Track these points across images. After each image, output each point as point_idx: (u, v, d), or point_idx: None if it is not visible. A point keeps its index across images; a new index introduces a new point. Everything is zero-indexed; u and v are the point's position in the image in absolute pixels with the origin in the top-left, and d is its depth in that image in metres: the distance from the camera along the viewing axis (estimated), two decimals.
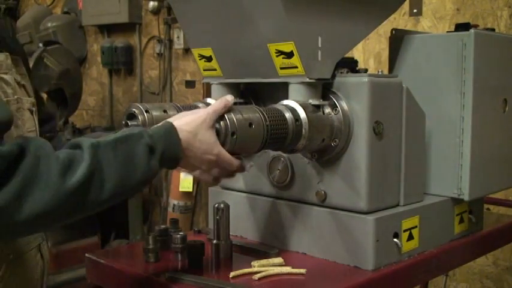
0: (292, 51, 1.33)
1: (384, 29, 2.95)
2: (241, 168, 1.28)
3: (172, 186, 4.09)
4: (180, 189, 3.95)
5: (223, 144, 1.20)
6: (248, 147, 1.25)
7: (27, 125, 1.30)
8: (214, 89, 1.56)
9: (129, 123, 1.36)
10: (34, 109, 1.36)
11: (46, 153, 1.00)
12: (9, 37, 1.41)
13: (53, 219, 1.00)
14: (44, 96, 4.11)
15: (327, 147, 1.39)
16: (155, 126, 1.17)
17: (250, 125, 1.22)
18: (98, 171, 1.02)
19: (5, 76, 1.26)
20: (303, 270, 1.34)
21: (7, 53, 1.29)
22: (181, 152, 1.15)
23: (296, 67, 1.35)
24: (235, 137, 1.20)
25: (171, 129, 1.15)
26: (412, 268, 1.46)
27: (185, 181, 3.92)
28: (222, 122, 1.21)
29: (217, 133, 1.21)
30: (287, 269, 1.35)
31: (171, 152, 1.14)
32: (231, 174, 1.29)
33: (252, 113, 1.24)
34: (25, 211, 0.95)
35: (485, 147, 1.62)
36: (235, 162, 1.25)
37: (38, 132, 1.37)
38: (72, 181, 0.99)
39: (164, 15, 4.43)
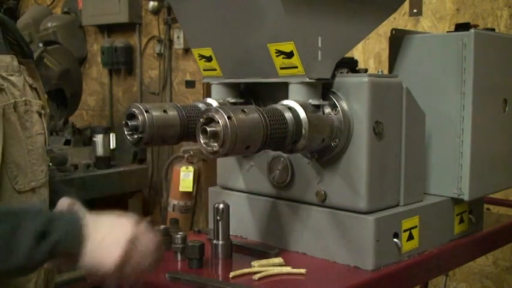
0: (292, 51, 1.33)
1: (384, 29, 2.95)
2: (161, 248, 1.11)
3: (172, 186, 4.08)
4: (180, 189, 3.94)
5: (222, 145, 1.20)
6: (248, 147, 1.25)
7: (36, 127, 1.29)
8: (214, 89, 1.56)
9: (129, 123, 1.37)
10: (43, 112, 1.34)
11: None
12: (24, 41, 1.38)
13: None
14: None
15: (327, 147, 1.39)
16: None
17: (250, 124, 1.22)
18: None
19: (10, 78, 1.24)
20: (303, 270, 1.34)
21: (13, 55, 1.27)
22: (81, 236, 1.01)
23: (296, 67, 1.35)
24: (235, 137, 1.20)
25: (75, 217, 1.03)
26: (412, 268, 1.46)
27: (185, 181, 3.92)
28: (222, 122, 1.20)
29: (217, 134, 1.20)
30: (287, 269, 1.35)
31: (69, 237, 1.01)
32: (153, 259, 1.08)
33: (252, 113, 1.24)
34: None
35: (485, 147, 1.62)
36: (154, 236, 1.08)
37: (46, 135, 1.35)
38: None
39: (164, 15, 4.43)
